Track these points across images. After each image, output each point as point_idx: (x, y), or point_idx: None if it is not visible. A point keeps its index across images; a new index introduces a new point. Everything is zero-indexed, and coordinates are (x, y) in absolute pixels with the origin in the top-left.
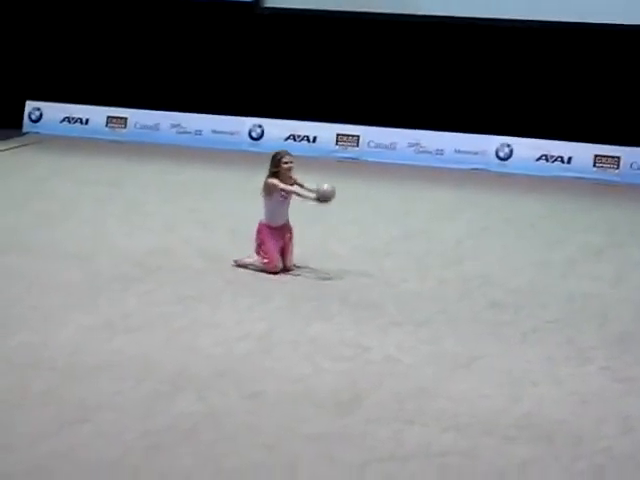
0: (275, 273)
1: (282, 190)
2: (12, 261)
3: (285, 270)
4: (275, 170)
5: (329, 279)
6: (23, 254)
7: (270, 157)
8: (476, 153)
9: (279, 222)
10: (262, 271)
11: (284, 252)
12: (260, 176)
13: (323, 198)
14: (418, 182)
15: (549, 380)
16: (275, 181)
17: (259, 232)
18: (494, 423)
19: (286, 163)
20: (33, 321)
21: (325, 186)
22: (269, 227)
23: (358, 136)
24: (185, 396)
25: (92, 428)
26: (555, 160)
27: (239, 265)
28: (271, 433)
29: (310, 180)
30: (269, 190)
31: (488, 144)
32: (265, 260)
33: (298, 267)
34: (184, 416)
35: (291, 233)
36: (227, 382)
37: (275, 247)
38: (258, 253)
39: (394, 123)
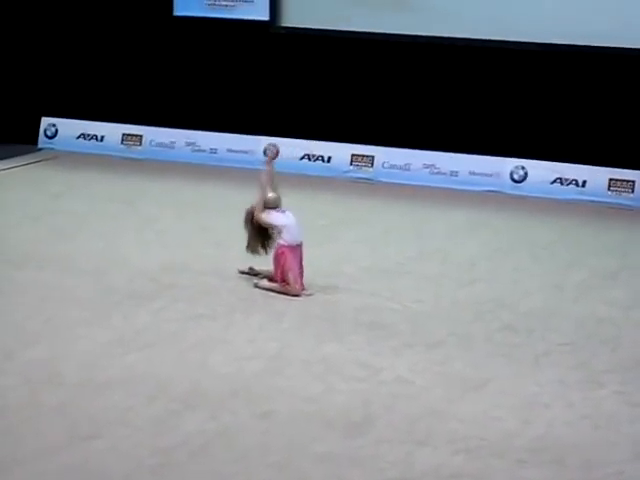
0: (297, 296)
1: (262, 222)
2: (27, 276)
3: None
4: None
5: (341, 299)
6: (38, 269)
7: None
8: (490, 175)
9: (299, 238)
10: (281, 293)
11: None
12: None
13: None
14: (432, 203)
15: (561, 403)
16: (258, 215)
17: (281, 255)
18: (505, 446)
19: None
20: (46, 336)
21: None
22: (290, 248)
23: (373, 157)
24: (197, 414)
25: (104, 444)
26: (570, 183)
27: (257, 287)
28: (282, 452)
29: (324, 200)
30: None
31: (503, 166)
32: (287, 285)
33: (309, 286)
34: (195, 434)
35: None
36: (238, 401)
37: (299, 270)
38: (282, 280)
39: (409, 144)
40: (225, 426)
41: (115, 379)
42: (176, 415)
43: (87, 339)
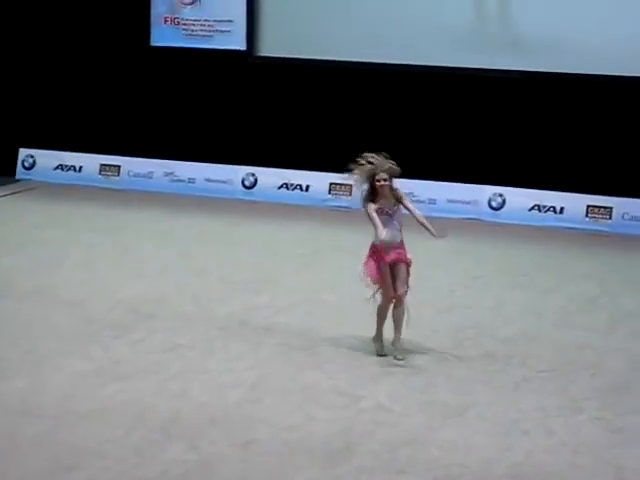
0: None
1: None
2: (6, 306)
3: (395, 298)
4: (371, 190)
5: (320, 327)
6: (17, 300)
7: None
8: (469, 203)
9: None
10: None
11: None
12: (251, 226)
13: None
14: (411, 231)
15: (541, 430)
16: (369, 210)
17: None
18: (485, 473)
19: (379, 181)
20: (26, 367)
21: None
22: (374, 247)
23: (350, 185)
24: (176, 444)
25: (83, 475)
26: (548, 210)
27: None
28: None
29: (302, 229)
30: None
31: (481, 194)
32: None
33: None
34: (175, 464)
35: (402, 255)
36: (218, 430)
37: (374, 266)
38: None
39: None
40: (205, 456)
41: (94, 410)
42: (156, 445)
43: (66, 370)
